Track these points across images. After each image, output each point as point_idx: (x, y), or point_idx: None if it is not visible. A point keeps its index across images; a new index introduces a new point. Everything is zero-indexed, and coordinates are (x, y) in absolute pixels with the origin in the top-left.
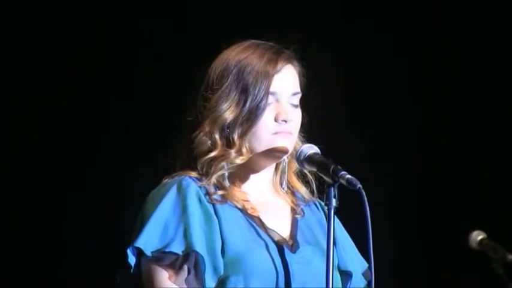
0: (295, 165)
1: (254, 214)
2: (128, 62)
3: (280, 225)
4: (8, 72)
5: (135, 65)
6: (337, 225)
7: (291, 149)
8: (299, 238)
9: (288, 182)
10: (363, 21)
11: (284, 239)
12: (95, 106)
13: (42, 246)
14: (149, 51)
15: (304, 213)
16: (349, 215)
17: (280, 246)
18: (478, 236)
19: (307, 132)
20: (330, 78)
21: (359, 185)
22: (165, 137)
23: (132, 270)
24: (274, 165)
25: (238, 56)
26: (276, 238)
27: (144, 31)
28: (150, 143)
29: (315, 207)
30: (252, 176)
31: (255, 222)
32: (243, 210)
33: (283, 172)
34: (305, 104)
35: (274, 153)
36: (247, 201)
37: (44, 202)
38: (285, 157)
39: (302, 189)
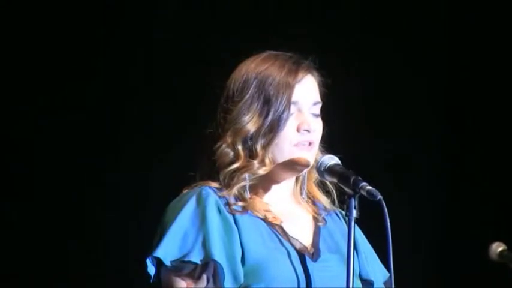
0: (315, 175)
1: (276, 222)
2: (142, 60)
3: (302, 233)
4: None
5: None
6: (359, 234)
7: (312, 162)
8: (321, 246)
9: (308, 192)
10: (381, 32)
11: (305, 247)
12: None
13: (52, 246)
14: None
15: (326, 221)
16: (373, 225)
17: (301, 254)
18: (498, 247)
19: (327, 143)
20: (350, 90)
21: (379, 196)
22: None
23: (151, 280)
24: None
25: (258, 67)
26: (298, 246)
27: (151, 32)
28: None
29: (336, 217)
30: (273, 187)
31: (277, 231)
32: (265, 219)
33: (302, 182)
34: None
35: (295, 166)
36: (268, 211)
37: (53, 202)
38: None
39: (322, 199)
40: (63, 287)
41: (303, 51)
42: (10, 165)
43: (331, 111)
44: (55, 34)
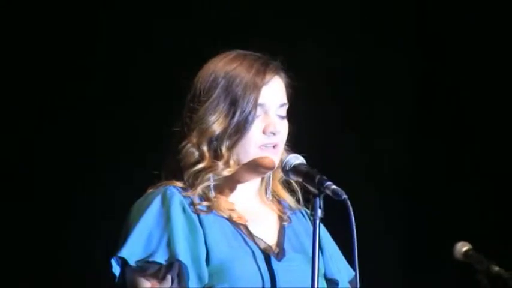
0: (280, 175)
1: (241, 222)
2: (142, 60)
3: (267, 232)
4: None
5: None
6: (325, 234)
7: (277, 164)
8: (286, 246)
9: (273, 191)
10: (381, 32)
11: (270, 246)
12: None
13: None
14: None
15: (291, 220)
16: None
17: (266, 254)
18: (463, 247)
19: (293, 144)
20: (350, 90)
21: (344, 196)
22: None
23: (116, 280)
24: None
25: (226, 67)
26: (262, 246)
27: (151, 32)
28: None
29: (302, 216)
30: (238, 186)
31: (242, 230)
32: (229, 219)
33: (268, 181)
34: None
35: (260, 168)
36: (233, 210)
37: (53, 202)
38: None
39: (287, 198)
40: (63, 286)
41: (304, 51)
42: (10, 165)
43: (330, 111)
44: (55, 34)
